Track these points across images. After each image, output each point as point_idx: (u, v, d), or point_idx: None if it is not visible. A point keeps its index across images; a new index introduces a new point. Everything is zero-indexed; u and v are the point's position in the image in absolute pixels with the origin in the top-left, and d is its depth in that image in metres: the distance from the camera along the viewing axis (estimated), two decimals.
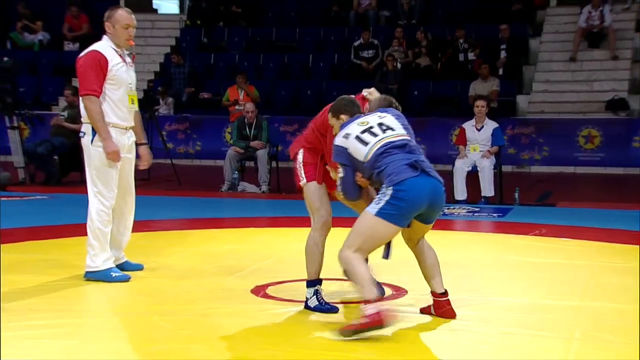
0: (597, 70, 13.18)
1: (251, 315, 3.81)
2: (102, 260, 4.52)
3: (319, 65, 14.53)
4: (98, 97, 4.49)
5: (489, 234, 6.70)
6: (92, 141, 4.55)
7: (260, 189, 9.31)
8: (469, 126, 8.58)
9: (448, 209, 7.88)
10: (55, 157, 9.83)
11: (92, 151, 4.56)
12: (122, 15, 4.57)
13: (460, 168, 8.37)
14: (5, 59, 10.13)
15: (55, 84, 14.34)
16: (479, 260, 5.30)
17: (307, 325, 3.67)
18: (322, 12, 15.63)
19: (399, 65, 13.46)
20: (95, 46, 4.58)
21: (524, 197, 8.41)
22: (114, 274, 4.52)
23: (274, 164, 9.55)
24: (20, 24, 15.59)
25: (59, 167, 9.82)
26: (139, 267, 4.80)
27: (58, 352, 3.25)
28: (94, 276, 4.51)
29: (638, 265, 4.88)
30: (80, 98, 4.55)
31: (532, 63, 14.02)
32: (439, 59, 13.84)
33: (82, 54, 4.61)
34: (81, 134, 4.64)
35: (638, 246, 5.61)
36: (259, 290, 4.26)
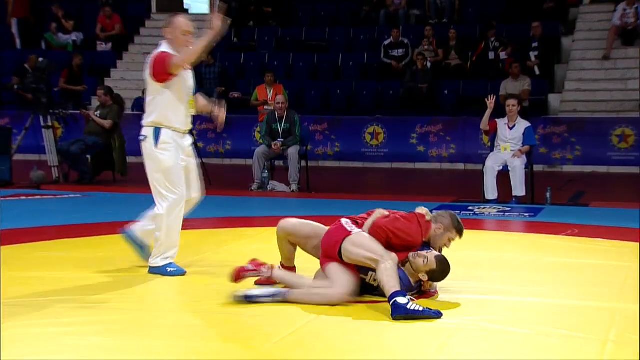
0: (632, 68, 12.97)
1: (284, 313, 3.82)
2: (161, 258, 4.63)
3: (348, 64, 14.52)
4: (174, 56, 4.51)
5: (521, 234, 6.63)
6: (155, 145, 4.60)
7: (289, 188, 9.32)
8: (501, 124, 8.50)
9: (479, 208, 7.83)
10: (88, 156, 9.95)
11: (158, 155, 4.60)
12: (182, 22, 4.66)
13: (491, 167, 8.30)
14: (40, 59, 10.28)
15: (88, 84, 14.51)
16: (511, 260, 5.25)
17: (339, 325, 3.67)
18: (352, 12, 15.62)
19: (428, 65, 13.40)
20: (164, 48, 4.62)
21: (555, 197, 8.31)
22: (169, 269, 4.62)
23: (303, 163, 9.56)
24: (54, 25, 15.81)
25: (92, 167, 9.95)
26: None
27: (92, 348, 3.30)
28: (153, 271, 4.64)
29: None
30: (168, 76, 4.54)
31: (565, 62, 13.86)
32: (469, 58, 13.75)
33: (150, 60, 4.62)
34: (142, 137, 4.67)
35: None
36: None
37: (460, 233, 4.22)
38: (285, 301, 3.90)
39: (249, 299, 3.89)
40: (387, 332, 3.55)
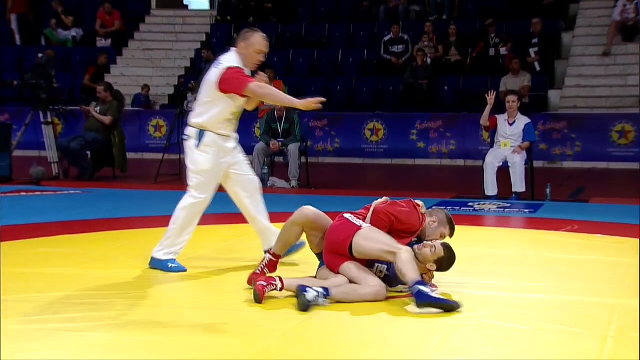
0: (632, 64, 12.98)
1: (283, 311, 3.82)
2: (165, 252, 4.67)
3: (348, 60, 14.51)
4: (254, 80, 4.53)
5: (521, 230, 6.63)
6: (197, 146, 4.64)
7: (290, 185, 9.33)
8: (501, 120, 8.50)
9: (479, 204, 7.83)
10: (88, 152, 9.96)
11: (197, 156, 4.65)
12: (259, 41, 4.63)
13: (491, 163, 8.30)
14: (40, 55, 10.27)
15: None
16: (511, 256, 5.25)
17: (339, 320, 3.67)
18: (352, 7, 15.61)
19: (428, 60, 13.39)
20: (233, 62, 4.59)
21: (555, 193, 8.32)
22: (170, 265, 4.65)
23: (303, 159, 9.56)
24: (54, 21, 15.80)
25: (92, 163, 9.95)
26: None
27: (93, 344, 3.30)
28: (154, 265, 4.69)
29: None
30: (244, 93, 4.53)
31: (565, 57, 13.85)
32: (469, 54, 13.75)
33: (224, 68, 4.56)
34: (185, 137, 4.73)
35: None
36: None
37: (452, 229, 4.28)
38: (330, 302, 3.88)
39: (308, 306, 3.79)
40: (387, 328, 3.55)
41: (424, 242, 4.10)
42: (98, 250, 5.30)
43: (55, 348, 3.24)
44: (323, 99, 4.53)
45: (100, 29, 15.70)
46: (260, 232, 4.96)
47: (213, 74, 4.61)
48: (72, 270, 4.66)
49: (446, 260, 4.07)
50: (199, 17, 16.98)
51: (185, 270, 4.66)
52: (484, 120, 8.42)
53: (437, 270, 4.11)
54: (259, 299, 3.90)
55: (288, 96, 4.53)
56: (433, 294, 3.73)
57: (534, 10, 13.89)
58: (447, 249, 4.07)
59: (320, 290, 3.85)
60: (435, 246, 4.04)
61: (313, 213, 4.24)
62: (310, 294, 3.79)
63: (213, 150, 4.66)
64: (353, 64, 14.40)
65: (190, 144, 4.68)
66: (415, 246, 4.07)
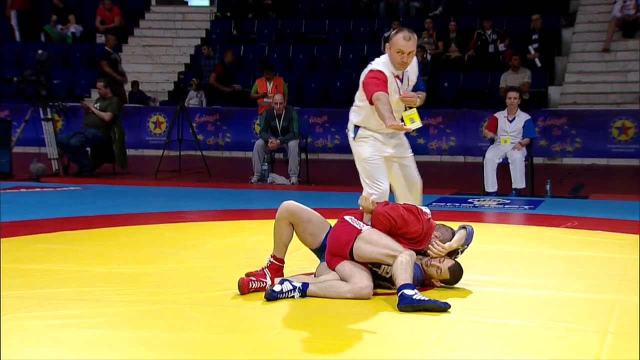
0: (632, 60, 12.96)
1: (283, 306, 3.83)
2: None
3: (348, 57, 14.50)
4: (385, 91, 4.48)
5: (521, 227, 6.64)
6: (354, 138, 4.74)
7: (289, 181, 9.33)
8: (501, 117, 8.49)
9: (478, 201, 7.83)
10: (88, 148, 9.95)
11: (356, 147, 4.76)
12: (399, 41, 4.55)
13: (491, 160, 8.30)
14: (40, 51, 10.26)
15: (88, 77, 14.50)
16: (511, 253, 5.25)
17: (340, 316, 3.67)
18: (352, 4, 15.60)
19: (428, 57, 13.37)
20: (379, 65, 4.58)
21: (555, 190, 8.32)
22: None
23: (303, 155, 9.55)
24: (54, 17, 15.78)
25: (92, 159, 9.95)
26: None
27: (93, 341, 3.30)
28: None
29: None
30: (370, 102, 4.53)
31: (565, 54, 13.84)
32: (468, 51, 13.73)
33: (367, 71, 4.59)
34: (347, 130, 4.88)
35: None
36: None
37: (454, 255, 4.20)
38: (305, 296, 3.90)
39: (273, 296, 3.86)
40: (387, 324, 3.56)
41: (431, 261, 4.07)
42: (98, 247, 5.30)
43: (55, 344, 3.24)
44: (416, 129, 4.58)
45: (100, 25, 15.67)
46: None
47: (363, 75, 4.65)
48: (71, 267, 4.66)
49: (451, 281, 4.12)
50: (198, 13, 16.95)
51: None
52: (486, 133, 8.55)
53: (443, 283, 4.15)
54: (240, 291, 3.97)
55: (388, 115, 4.39)
56: (416, 297, 3.67)
57: (534, 6, 13.87)
58: (453, 272, 4.07)
59: (298, 285, 3.88)
60: (440, 268, 4.06)
61: (294, 205, 4.24)
62: (284, 286, 3.84)
63: (371, 140, 4.70)
64: (353, 60, 14.37)
65: (349, 137, 4.80)
66: (424, 260, 4.09)
